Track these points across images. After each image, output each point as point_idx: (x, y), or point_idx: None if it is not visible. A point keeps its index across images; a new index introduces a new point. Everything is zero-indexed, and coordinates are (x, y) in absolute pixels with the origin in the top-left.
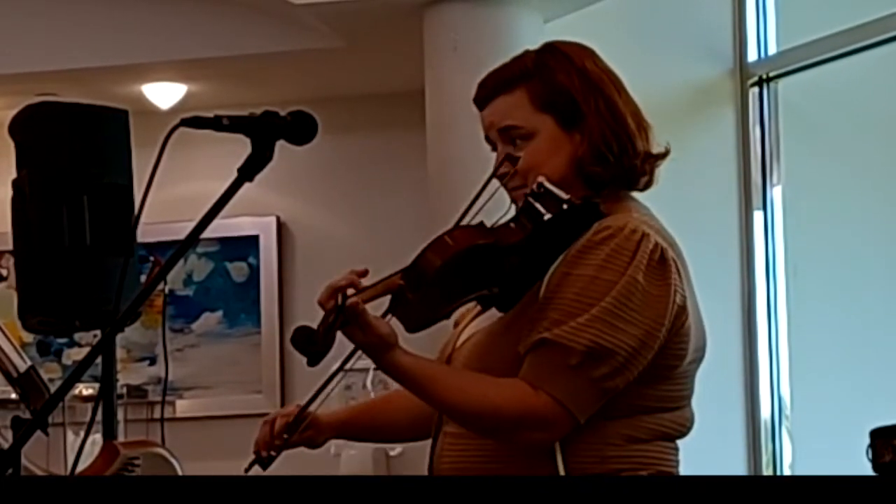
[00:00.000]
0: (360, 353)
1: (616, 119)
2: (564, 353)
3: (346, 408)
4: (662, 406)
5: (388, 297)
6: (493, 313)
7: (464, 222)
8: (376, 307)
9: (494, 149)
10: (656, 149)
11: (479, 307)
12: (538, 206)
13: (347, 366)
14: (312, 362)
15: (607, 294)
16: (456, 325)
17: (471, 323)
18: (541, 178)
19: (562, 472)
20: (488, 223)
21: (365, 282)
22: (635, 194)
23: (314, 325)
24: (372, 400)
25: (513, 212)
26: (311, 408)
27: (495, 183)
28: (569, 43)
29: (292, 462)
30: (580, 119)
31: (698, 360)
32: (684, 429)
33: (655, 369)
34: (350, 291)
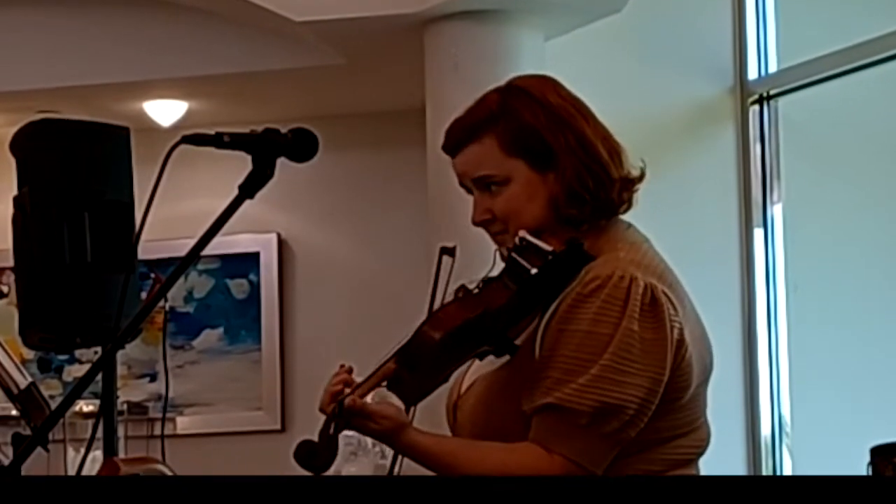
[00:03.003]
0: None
1: (588, 152)
2: (572, 416)
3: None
4: (676, 434)
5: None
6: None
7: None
8: None
9: (469, 192)
10: (632, 171)
11: None
12: (522, 261)
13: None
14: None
15: (605, 349)
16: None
17: (470, 369)
18: (522, 233)
19: None
20: (474, 270)
21: (359, 362)
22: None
23: (314, 437)
24: None
25: (499, 263)
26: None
27: (472, 239)
28: (530, 77)
29: (292, 461)
30: (552, 158)
31: (705, 380)
32: (701, 449)
33: (663, 405)
34: (346, 391)
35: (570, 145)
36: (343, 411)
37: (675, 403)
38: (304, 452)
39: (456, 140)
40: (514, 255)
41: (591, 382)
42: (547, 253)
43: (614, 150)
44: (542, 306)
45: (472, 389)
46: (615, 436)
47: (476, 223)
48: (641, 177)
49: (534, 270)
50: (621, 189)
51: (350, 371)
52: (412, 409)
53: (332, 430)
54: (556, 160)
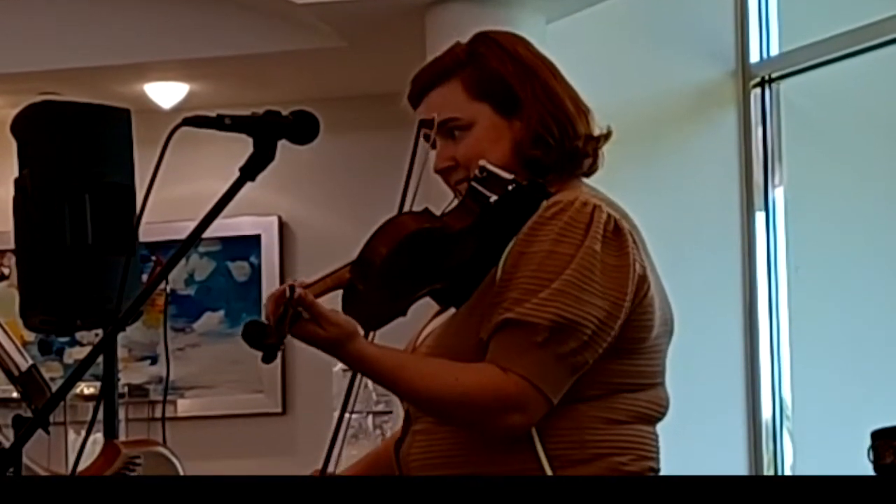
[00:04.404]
0: (354, 396)
1: (554, 102)
2: (529, 332)
3: (353, 467)
4: (636, 383)
5: (340, 294)
6: (451, 311)
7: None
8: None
9: (434, 146)
10: (596, 131)
11: (437, 308)
12: (483, 189)
13: (354, 408)
14: (268, 357)
15: (566, 267)
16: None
17: (430, 322)
18: (482, 162)
19: (542, 459)
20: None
21: None
22: (585, 180)
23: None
24: (372, 452)
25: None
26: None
27: (427, 172)
28: (500, 31)
29: (293, 444)
30: (518, 105)
31: (667, 333)
32: (661, 409)
33: (624, 342)
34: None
35: (536, 94)
36: (293, 297)
37: (636, 344)
38: (254, 331)
39: (421, 86)
40: (474, 183)
41: (550, 297)
42: (508, 181)
43: (581, 107)
44: (499, 247)
45: (431, 335)
46: (571, 357)
47: (437, 171)
48: (608, 136)
49: (494, 198)
50: (585, 142)
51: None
52: (370, 334)
53: (282, 315)
54: (521, 107)
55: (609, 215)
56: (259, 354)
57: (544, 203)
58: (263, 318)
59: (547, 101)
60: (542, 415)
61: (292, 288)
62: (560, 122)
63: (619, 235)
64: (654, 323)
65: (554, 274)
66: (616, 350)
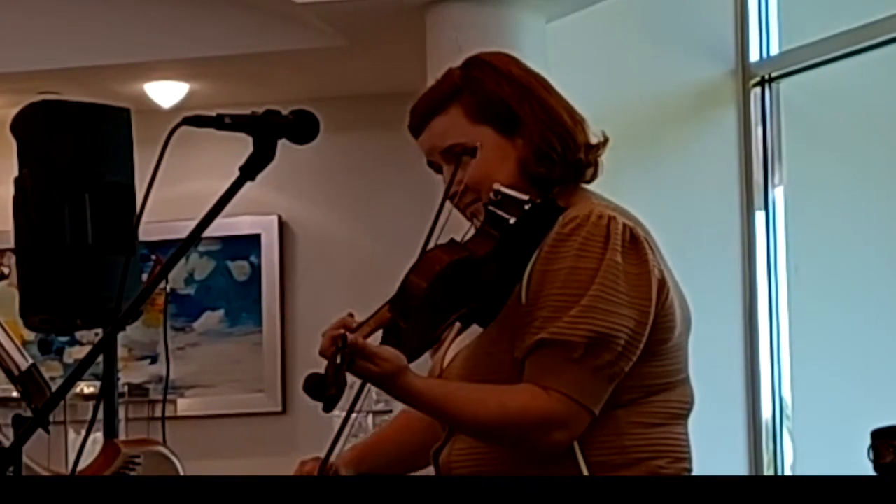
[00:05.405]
0: (364, 394)
1: (552, 117)
2: (565, 349)
3: (357, 445)
4: (666, 383)
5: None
6: (474, 330)
7: (430, 246)
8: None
9: (439, 171)
10: (594, 139)
11: (457, 326)
12: (500, 212)
13: (357, 407)
14: (328, 408)
15: (592, 282)
16: (434, 352)
17: (452, 343)
18: (496, 185)
19: (583, 469)
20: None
21: (355, 308)
22: (587, 186)
23: (321, 371)
24: (380, 432)
25: (473, 230)
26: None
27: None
28: (491, 53)
29: (293, 443)
30: (518, 124)
31: (687, 330)
32: (689, 404)
33: (650, 346)
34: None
35: (534, 111)
36: (347, 346)
37: (662, 346)
38: (315, 383)
39: (421, 115)
40: (491, 207)
41: (581, 314)
42: (523, 202)
43: (576, 118)
44: (521, 266)
45: (456, 359)
46: (608, 369)
47: (449, 196)
48: (605, 142)
49: (512, 219)
50: (586, 152)
51: (351, 316)
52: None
53: (338, 366)
54: (521, 126)
55: (624, 225)
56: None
57: (560, 218)
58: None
59: (545, 116)
60: (585, 428)
61: (343, 337)
62: (560, 135)
63: (636, 244)
64: (675, 323)
65: (581, 290)
66: (644, 353)
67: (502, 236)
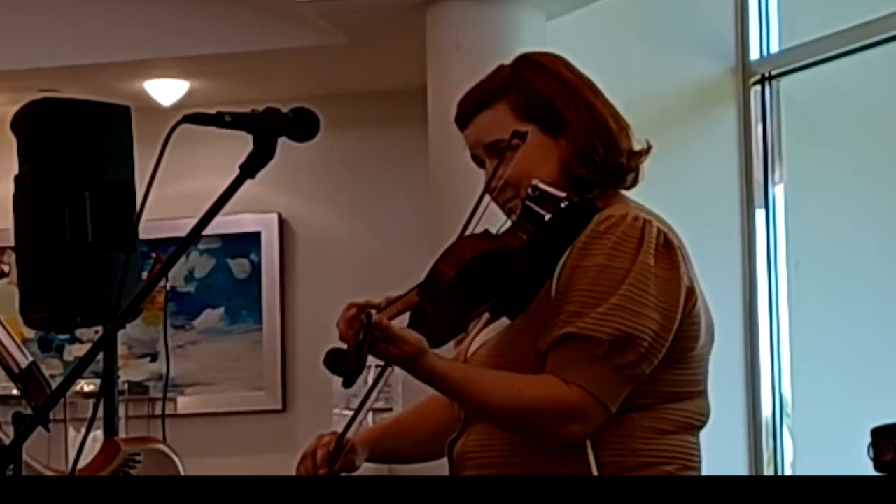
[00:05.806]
0: (387, 374)
1: (597, 121)
2: (590, 345)
3: (376, 427)
4: (683, 392)
5: (408, 315)
6: (501, 322)
7: (466, 233)
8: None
9: (481, 166)
10: (637, 147)
11: (485, 317)
12: (537, 208)
13: (378, 387)
14: (348, 383)
15: (622, 281)
16: (460, 341)
17: (479, 334)
18: (535, 181)
19: (593, 468)
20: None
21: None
22: (626, 192)
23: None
24: (400, 416)
25: (510, 223)
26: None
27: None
28: (541, 53)
29: (293, 440)
30: (563, 124)
31: (710, 342)
32: (704, 418)
33: (673, 353)
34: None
35: (580, 113)
36: (371, 324)
37: (685, 354)
38: (336, 358)
39: (469, 109)
40: (528, 202)
41: (609, 312)
42: (560, 199)
43: (622, 124)
44: (553, 262)
45: (482, 349)
46: (630, 369)
47: (489, 190)
48: (648, 150)
49: (548, 216)
50: (628, 158)
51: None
52: None
53: (360, 343)
54: (566, 126)
55: (659, 230)
56: (340, 379)
57: (596, 217)
58: (338, 337)
59: (591, 119)
60: (600, 424)
61: (369, 315)
62: (604, 139)
63: (669, 249)
64: (700, 334)
65: (611, 288)
66: (666, 360)
67: (537, 231)
